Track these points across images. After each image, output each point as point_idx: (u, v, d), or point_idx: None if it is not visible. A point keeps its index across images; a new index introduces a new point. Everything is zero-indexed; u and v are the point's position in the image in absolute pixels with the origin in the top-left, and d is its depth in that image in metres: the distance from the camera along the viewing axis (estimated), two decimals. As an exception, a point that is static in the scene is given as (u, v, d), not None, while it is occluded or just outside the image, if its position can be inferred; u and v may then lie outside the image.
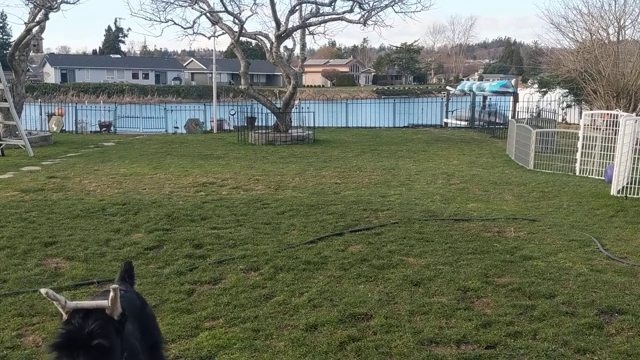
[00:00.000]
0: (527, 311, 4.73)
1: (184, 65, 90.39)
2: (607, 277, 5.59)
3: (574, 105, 28.61)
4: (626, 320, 4.56)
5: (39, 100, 30.49)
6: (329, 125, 25.31)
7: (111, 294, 2.14)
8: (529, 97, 25.30)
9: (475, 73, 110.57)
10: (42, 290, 2.09)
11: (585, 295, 5.08)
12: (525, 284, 5.32)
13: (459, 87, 29.63)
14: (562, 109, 28.13)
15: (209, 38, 21.87)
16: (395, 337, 4.26)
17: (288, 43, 21.09)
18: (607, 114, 15.03)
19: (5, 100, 15.70)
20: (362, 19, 19.47)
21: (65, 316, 2.12)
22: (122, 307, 2.20)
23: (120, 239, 6.92)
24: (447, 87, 35.09)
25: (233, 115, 24.71)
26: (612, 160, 10.85)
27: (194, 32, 20.89)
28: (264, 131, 19.42)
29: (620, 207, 8.91)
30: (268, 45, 19.68)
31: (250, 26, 69.20)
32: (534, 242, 6.86)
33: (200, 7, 19.89)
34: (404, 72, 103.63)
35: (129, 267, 3.00)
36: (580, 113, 21.76)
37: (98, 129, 24.53)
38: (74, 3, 18.05)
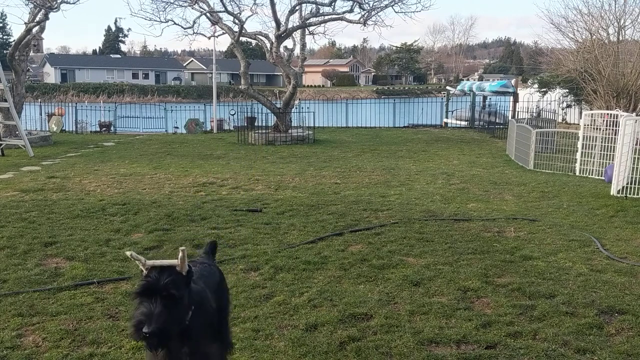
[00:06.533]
0: (527, 311, 4.73)
1: (184, 65, 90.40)
2: (607, 277, 5.59)
3: (574, 105, 28.63)
4: (626, 320, 4.56)
5: (39, 100, 30.52)
6: (329, 125, 25.30)
7: (180, 254, 2.69)
8: (529, 97, 25.29)
9: (475, 73, 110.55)
10: (127, 253, 2.73)
11: (585, 295, 5.09)
12: (525, 284, 5.32)
13: (459, 87, 29.60)
14: (562, 109, 28.13)
15: (209, 38, 21.87)
16: (395, 337, 4.26)
17: (288, 43, 21.09)
18: (607, 114, 15.03)
19: (5, 100, 15.70)
20: (362, 19, 19.45)
21: (145, 272, 2.72)
22: (188, 265, 2.75)
23: (120, 239, 6.92)
24: (447, 87, 35.07)
25: (233, 115, 24.71)
26: (612, 160, 10.85)
27: (194, 32, 20.90)
28: (264, 131, 19.42)
29: (620, 207, 8.91)
30: (268, 45, 19.67)
31: (250, 26, 69.23)
32: (534, 242, 6.86)
33: (200, 7, 19.89)
34: (404, 72, 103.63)
35: (213, 245, 3.67)
36: (580, 113, 21.76)
37: (98, 129, 24.54)
38: (74, 3, 18.08)
